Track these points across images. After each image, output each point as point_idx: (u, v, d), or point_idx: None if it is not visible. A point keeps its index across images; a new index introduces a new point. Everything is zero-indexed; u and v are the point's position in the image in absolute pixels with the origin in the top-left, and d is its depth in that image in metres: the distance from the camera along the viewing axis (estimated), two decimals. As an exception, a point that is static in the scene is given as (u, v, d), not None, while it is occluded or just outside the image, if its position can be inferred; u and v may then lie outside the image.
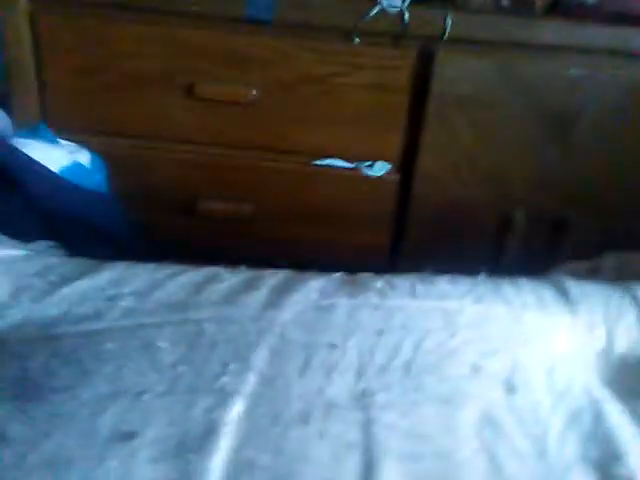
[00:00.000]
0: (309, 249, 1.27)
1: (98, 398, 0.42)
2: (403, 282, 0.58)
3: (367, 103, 1.14)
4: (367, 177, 1.21)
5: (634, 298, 0.62)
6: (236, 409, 0.42)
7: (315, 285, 0.56)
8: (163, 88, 1.15)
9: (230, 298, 0.54)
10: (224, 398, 0.43)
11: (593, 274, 0.90)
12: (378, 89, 1.12)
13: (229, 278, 0.57)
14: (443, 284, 0.58)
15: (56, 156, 1.09)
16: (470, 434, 0.42)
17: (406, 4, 1.04)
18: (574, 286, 0.62)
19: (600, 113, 1.10)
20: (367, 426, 0.42)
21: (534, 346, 0.51)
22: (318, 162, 1.22)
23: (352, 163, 1.21)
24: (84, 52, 1.14)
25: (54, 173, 1.06)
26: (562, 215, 1.17)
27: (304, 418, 0.42)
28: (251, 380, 0.44)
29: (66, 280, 0.56)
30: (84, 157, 1.14)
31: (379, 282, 0.57)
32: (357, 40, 1.11)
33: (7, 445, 0.39)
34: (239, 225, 1.24)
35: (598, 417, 0.45)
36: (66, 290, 0.55)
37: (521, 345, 0.51)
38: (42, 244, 0.84)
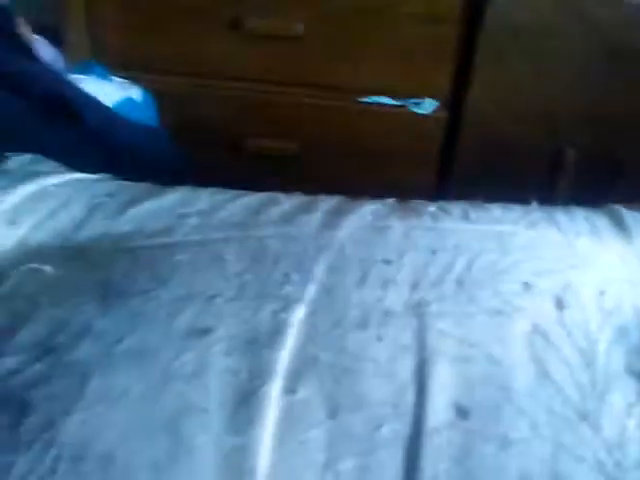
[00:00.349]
0: (354, 188, 1.29)
1: (174, 300, 0.46)
2: (456, 207, 0.60)
3: (418, 36, 1.13)
4: (415, 115, 1.21)
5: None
6: (299, 313, 0.46)
7: (369, 208, 0.59)
8: (209, 23, 1.16)
9: (289, 218, 0.57)
10: (288, 303, 0.46)
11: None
12: (428, 20, 1.11)
13: (286, 201, 0.60)
14: (496, 210, 0.60)
15: (109, 92, 1.12)
16: (520, 343, 0.45)
17: None
18: (629, 215, 0.63)
19: None
20: (421, 332, 0.45)
21: (585, 269, 0.53)
22: (365, 99, 1.23)
23: (399, 101, 1.21)
24: None
25: (109, 107, 1.08)
26: (615, 154, 1.15)
27: (362, 323, 0.45)
28: (312, 289, 0.48)
29: (135, 200, 0.60)
30: (136, 93, 1.17)
31: (432, 207, 0.60)
32: None
33: (94, 338, 0.43)
34: (285, 163, 1.26)
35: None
36: (137, 209, 0.58)
37: (572, 267, 0.53)
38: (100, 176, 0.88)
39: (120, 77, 1.20)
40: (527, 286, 0.49)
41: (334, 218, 0.56)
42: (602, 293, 0.51)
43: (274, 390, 0.41)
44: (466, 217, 0.58)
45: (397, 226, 0.54)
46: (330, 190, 1.26)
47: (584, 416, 0.40)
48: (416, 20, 1.12)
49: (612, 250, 0.57)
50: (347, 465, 0.38)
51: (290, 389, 0.41)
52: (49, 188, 0.60)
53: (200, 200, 0.60)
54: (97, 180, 0.65)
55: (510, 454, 0.38)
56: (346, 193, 1.25)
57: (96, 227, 0.55)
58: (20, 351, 0.42)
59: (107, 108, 1.07)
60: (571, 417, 0.40)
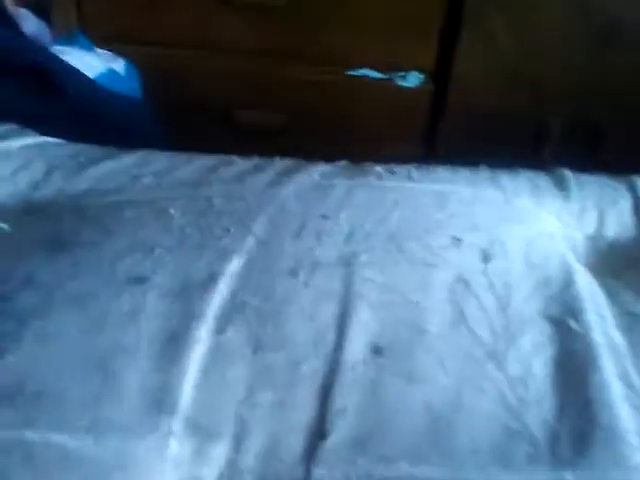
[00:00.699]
0: (340, 159, 1.31)
1: (116, 251, 0.49)
2: (402, 169, 0.62)
3: (403, 10, 1.14)
4: (400, 88, 1.22)
5: (631, 187, 0.64)
6: (234, 263, 0.49)
7: (319, 169, 0.61)
8: None
9: (239, 178, 0.59)
10: (225, 254, 0.49)
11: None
12: None
13: (241, 163, 0.63)
14: (442, 172, 0.62)
15: (92, 63, 1.13)
16: (440, 291, 0.47)
17: None
18: (572, 176, 0.64)
19: None
20: (347, 279, 0.47)
21: (518, 224, 0.55)
22: (351, 72, 1.24)
23: (385, 74, 1.22)
24: None
25: (90, 79, 1.10)
26: (598, 125, 1.16)
27: (293, 272, 0.48)
28: (249, 242, 0.50)
29: (94, 161, 0.63)
30: (119, 65, 1.18)
31: (379, 168, 0.62)
32: None
33: (36, 286, 0.46)
34: (271, 136, 1.27)
35: (567, 285, 0.49)
36: (94, 169, 0.61)
37: (504, 222, 0.55)
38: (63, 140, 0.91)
39: (106, 49, 1.22)
40: (456, 240, 0.51)
41: (283, 177, 0.59)
42: (530, 246, 0.53)
43: (203, 331, 0.44)
44: (409, 177, 0.60)
45: (341, 184, 0.57)
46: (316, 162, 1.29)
47: (492, 355, 0.43)
48: None
49: (549, 208, 0.59)
50: (265, 398, 0.41)
51: (218, 330, 0.44)
52: (12, 150, 0.63)
53: (158, 161, 0.63)
54: (59, 144, 0.68)
55: (416, 388, 0.41)
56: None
57: (53, 186, 0.58)
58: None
59: (88, 79, 1.08)
60: (479, 356, 0.43)
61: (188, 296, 0.45)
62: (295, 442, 0.40)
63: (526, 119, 1.17)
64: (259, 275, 0.47)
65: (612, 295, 0.51)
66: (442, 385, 0.41)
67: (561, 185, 0.63)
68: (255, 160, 0.65)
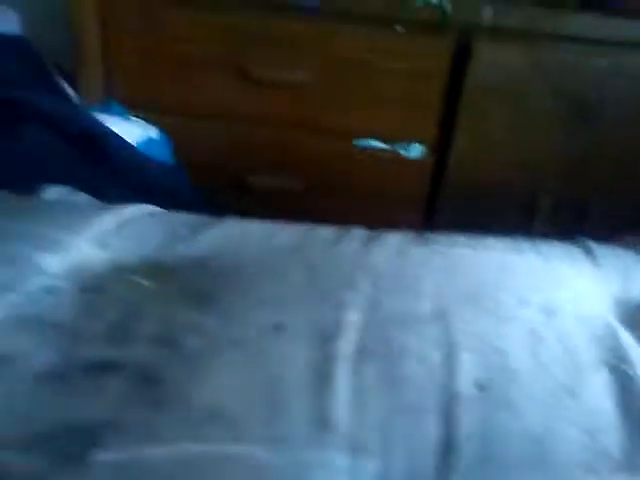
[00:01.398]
0: (350, 223, 1.42)
1: (255, 302, 0.59)
2: (460, 237, 0.75)
3: (406, 87, 1.28)
4: (403, 158, 1.36)
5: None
6: (351, 316, 0.59)
7: (396, 238, 0.73)
8: (219, 70, 1.28)
9: (330, 245, 0.71)
10: (342, 309, 0.60)
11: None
12: (417, 75, 1.26)
13: (325, 232, 0.75)
14: (491, 240, 0.75)
15: (131, 130, 1.23)
16: (519, 339, 0.59)
17: None
18: (596, 246, 0.79)
19: (625, 105, 1.22)
20: (445, 329, 0.59)
21: (564, 287, 0.68)
22: (359, 143, 1.37)
23: (390, 144, 1.35)
24: (148, 34, 1.27)
25: (133, 146, 1.19)
26: (583, 200, 1.31)
27: (402, 323, 0.59)
28: (359, 297, 0.61)
29: (204, 228, 0.73)
30: (153, 132, 1.28)
31: (443, 237, 0.74)
32: (399, 28, 1.23)
33: (199, 332, 0.55)
34: (286, 200, 1.38)
35: (613, 337, 0.62)
36: (205, 236, 0.72)
37: (554, 285, 0.68)
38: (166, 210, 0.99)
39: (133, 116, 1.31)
40: (520, 299, 0.64)
41: (369, 244, 0.71)
42: (576, 305, 0.66)
43: (342, 370, 0.54)
44: (469, 245, 0.73)
45: (419, 252, 0.69)
46: (328, 224, 1.38)
47: (569, 391, 0.55)
48: (404, 74, 1.27)
49: (584, 273, 0.73)
50: (401, 423, 0.52)
51: (355, 370, 0.54)
52: (129, 217, 0.73)
53: (256, 228, 0.74)
54: (165, 213, 0.78)
55: (516, 417, 0.53)
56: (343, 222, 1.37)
57: (177, 250, 0.68)
58: (143, 342, 0.54)
59: (132, 146, 1.18)
60: (559, 391, 0.55)
61: (323, 341, 0.56)
62: (430, 461, 0.50)
63: (518, 193, 1.33)
64: (375, 326, 0.58)
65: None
66: (535, 414, 0.53)
67: (589, 253, 0.77)
68: (335, 228, 0.76)
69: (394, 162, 1.38)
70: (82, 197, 0.93)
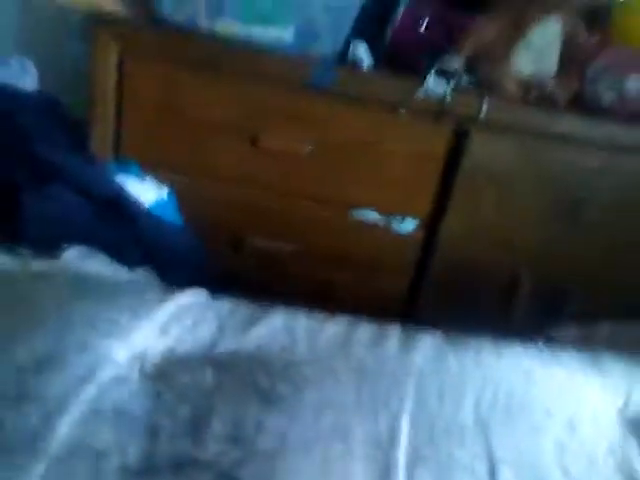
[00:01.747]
0: (339, 287, 1.46)
1: (314, 404, 0.64)
2: (490, 344, 0.82)
3: (405, 167, 1.35)
4: (396, 231, 1.42)
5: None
6: (405, 421, 0.65)
7: (430, 341, 0.79)
8: (228, 135, 1.33)
9: (374, 344, 0.76)
10: (396, 414, 0.66)
11: (587, 341, 1.16)
12: (416, 156, 1.33)
13: (366, 328, 0.80)
14: (519, 348, 0.82)
15: (146, 191, 1.27)
16: (549, 447, 0.67)
17: (448, 90, 1.27)
18: (607, 357, 0.86)
19: (607, 202, 1.32)
20: (486, 440, 0.66)
21: (583, 398, 0.76)
22: (354, 213, 1.43)
23: (384, 216, 1.42)
24: (162, 99, 1.31)
25: (151, 210, 1.23)
26: (563, 284, 1.40)
27: (447, 432, 0.65)
28: (408, 403, 0.67)
29: (253, 320, 0.77)
30: (164, 192, 1.32)
31: (473, 341, 0.81)
32: (402, 112, 1.31)
33: (267, 432, 0.60)
34: (280, 263, 1.42)
35: (624, 447, 0.70)
36: (258, 329, 0.76)
37: (576, 399, 0.76)
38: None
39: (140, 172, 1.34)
40: (547, 411, 0.71)
41: (407, 344, 0.77)
42: (596, 415, 0.73)
43: (399, 474, 0.60)
44: (497, 351, 0.80)
45: (451, 356, 0.76)
46: (318, 288, 1.43)
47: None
48: (404, 156, 1.34)
49: (594, 382, 0.81)
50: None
51: (409, 475, 0.60)
52: (186, 305, 0.77)
53: (301, 323, 0.78)
54: (216, 301, 0.82)
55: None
56: (332, 291, 1.43)
57: (229, 343, 0.72)
58: (218, 440, 0.58)
59: (149, 210, 1.22)
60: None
61: (380, 449, 0.61)
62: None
63: (501, 274, 1.40)
64: (424, 432, 0.64)
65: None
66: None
67: (599, 365, 0.85)
68: (374, 327, 0.81)
69: (387, 234, 1.44)
70: (101, 258, 0.96)
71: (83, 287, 0.75)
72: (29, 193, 1.00)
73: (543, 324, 1.25)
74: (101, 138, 1.33)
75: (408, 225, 1.43)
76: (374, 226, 1.44)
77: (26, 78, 1.23)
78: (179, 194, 1.36)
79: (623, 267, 1.39)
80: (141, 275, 1.00)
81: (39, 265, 0.78)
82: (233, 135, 1.34)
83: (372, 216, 1.44)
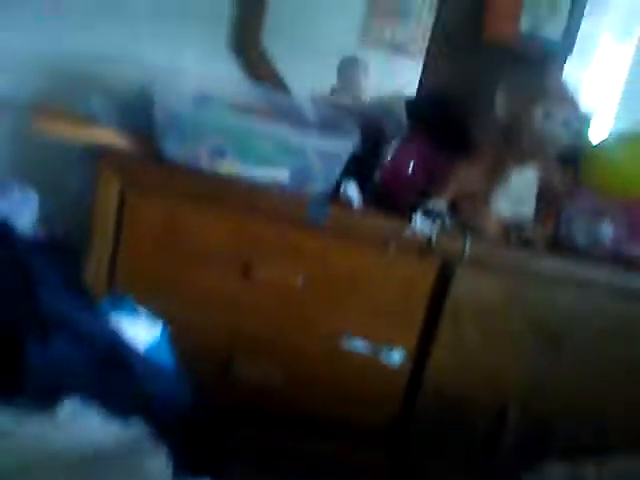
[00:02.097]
0: (325, 414, 1.43)
1: None
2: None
3: (393, 300, 1.38)
4: (383, 363, 1.42)
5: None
6: None
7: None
8: (223, 264, 1.34)
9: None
10: None
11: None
12: (404, 291, 1.36)
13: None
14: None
15: (142, 331, 1.21)
16: None
17: (434, 229, 1.33)
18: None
19: (589, 337, 1.37)
20: None
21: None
22: (344, 344, 1.44)
23: (374, 345, 1.42)
24: (162, 230, 1.31)
25: (147, 357, 1.18)
26: (549, 417, 1.41)
27: None
28: None
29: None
30: (158, 328, 1.28)
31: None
32: (392, 248, 1.36)
33: None
34: (267, 390, 1.39)
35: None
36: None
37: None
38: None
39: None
40: None
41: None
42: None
43: None
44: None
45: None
46: (303, 421, 1.39)
47: None
48: (391, 289, 1.36)
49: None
50: None
51: None
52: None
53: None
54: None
55: None
56: (315, 420, 1.39)
57: None
58: None
59: (145, 358, 1.18)
60: None
61: None
62: None
63: (487, 405, 1.41)
64: None
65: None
66: None
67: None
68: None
69: (374, 366, 1.44)
70: (95, 412, 0.95)
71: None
72: (33, 344, 0.98)
73: (530, 459, 1.24)
74: (96, 270, 1.33)
75: (395, 357, 1.44)
76: (362, 358, 1.45)
77: (25, 209, 1.25)
78: (171, 322, 1.35)
79: (604, 397, 1.41)
80: (133, 431, 0.97)
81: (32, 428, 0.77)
82: (228, 265, 1.35)
83: (361, 346, 1.45)
